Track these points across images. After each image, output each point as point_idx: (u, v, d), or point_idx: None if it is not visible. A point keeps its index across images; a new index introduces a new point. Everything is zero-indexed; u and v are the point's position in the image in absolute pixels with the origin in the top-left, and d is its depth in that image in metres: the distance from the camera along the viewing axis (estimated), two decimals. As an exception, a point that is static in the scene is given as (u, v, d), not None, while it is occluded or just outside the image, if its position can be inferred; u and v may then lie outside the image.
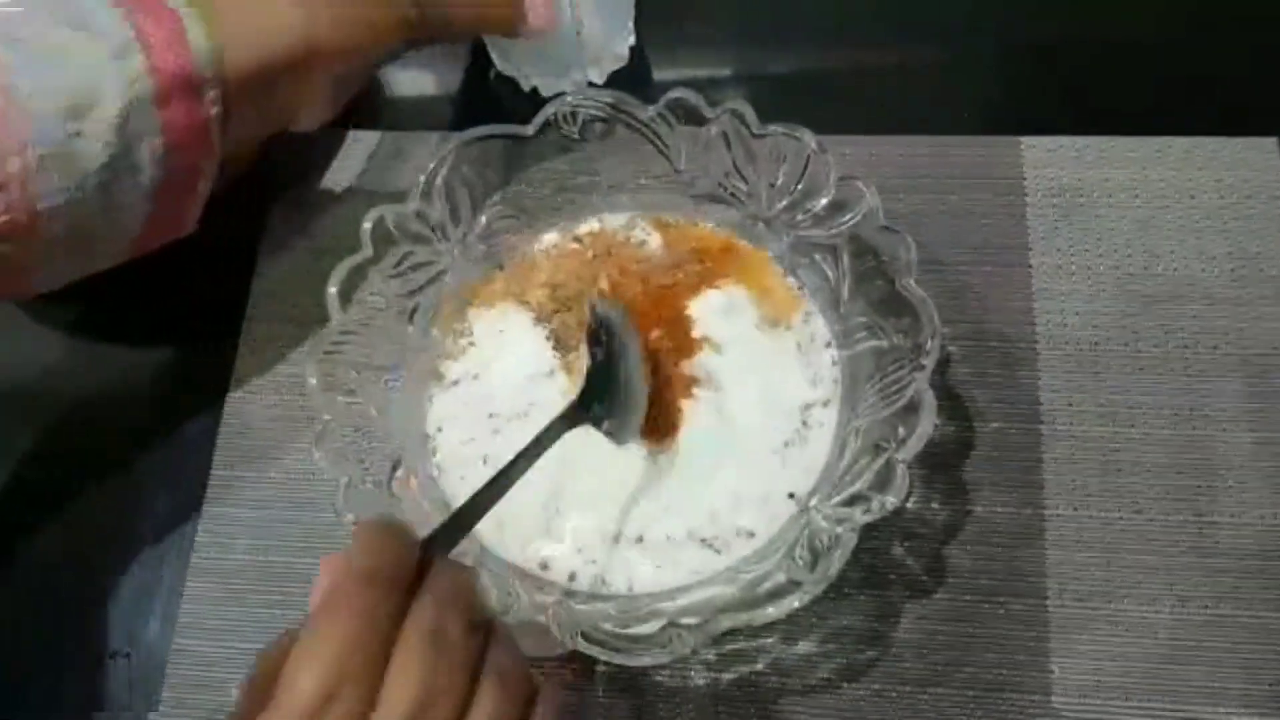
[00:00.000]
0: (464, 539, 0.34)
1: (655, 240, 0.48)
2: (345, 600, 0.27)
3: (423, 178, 0.45)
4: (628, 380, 0.42)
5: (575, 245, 0.49)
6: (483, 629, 0.29)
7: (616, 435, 0.42)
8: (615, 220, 0.49)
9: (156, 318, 0.54)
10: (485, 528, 0.43)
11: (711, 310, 0.46)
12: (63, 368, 0.54)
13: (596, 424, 0.41)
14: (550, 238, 0.49)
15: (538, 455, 0.37)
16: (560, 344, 0.47)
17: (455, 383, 0.47)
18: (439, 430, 0.46)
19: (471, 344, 0.48)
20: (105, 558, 0.48)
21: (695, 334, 0.46)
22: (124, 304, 0.54)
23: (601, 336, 0.43)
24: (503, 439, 0.45)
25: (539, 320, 0.47)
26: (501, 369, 0.47)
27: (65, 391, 0.53)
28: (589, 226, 0.49)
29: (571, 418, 0.40)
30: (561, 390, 0.46)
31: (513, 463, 0.37)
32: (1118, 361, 0.47)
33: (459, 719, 0.27)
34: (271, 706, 0.26)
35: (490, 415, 0.46)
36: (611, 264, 0.48)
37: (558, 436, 0.39)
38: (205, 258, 0.54)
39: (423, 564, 0.29)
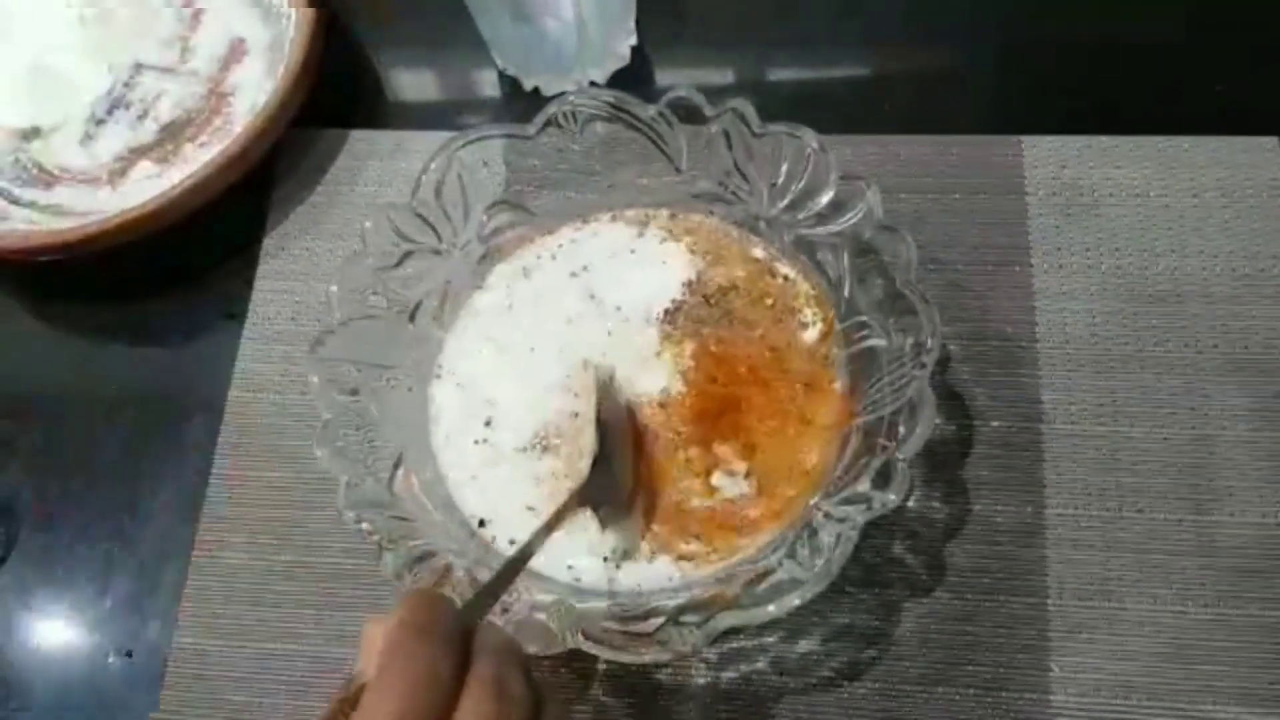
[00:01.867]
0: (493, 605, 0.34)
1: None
2: (406, 653, 0.27)
3: (424, 177, 0.45)
4: (619, 481, 0.42)
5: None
6: (535, 688, 0.30)
7: (605, 521, 0.41)
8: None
9: (157, 316, 0.54)
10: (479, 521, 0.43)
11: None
12: (63, 367, 0.54)
13: (595, 507, 0.41)
14: (701, 219, 0.49)
15: (553, 530, 0.38)
16: None
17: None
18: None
19: (574, 242, 0.49)
20: (106, 557, 0.48)
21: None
22: (124, 303, 0.55)
23: (604, 432, 0.42)
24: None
25: None
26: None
27: (65, 391, 0.53)
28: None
29: (581, 497, 0.40)
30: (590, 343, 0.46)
31: (532, 539, 0.37)
32: (1118, 360, 0.47)
33: None
34: None
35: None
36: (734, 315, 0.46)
37: (568, 514, 0.39)
38: (206, 256, 0.55)
39: (465, 632, 0.29)
